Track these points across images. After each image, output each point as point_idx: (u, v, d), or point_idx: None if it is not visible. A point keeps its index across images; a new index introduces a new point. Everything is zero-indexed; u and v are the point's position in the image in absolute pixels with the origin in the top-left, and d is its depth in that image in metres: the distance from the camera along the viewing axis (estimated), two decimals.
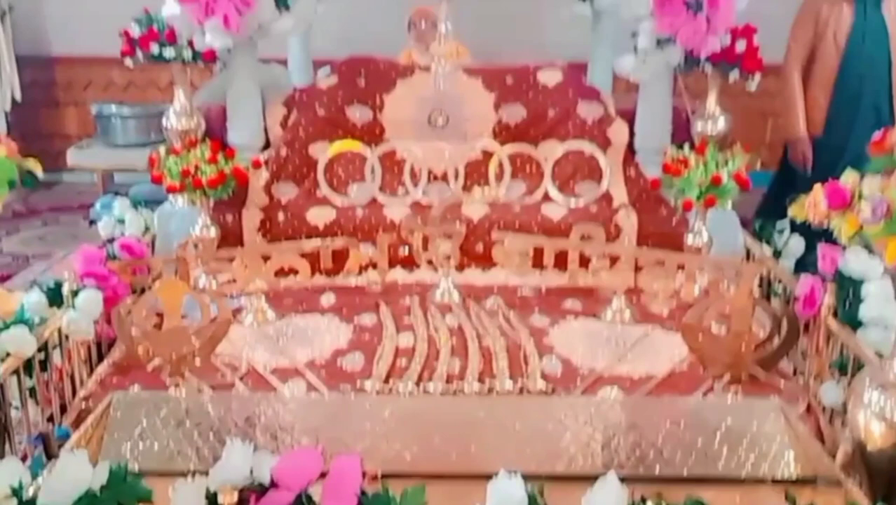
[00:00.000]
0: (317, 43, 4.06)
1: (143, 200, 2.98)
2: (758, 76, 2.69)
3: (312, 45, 4.01)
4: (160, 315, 2.06)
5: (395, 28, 4.03)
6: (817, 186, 1.54)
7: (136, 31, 2.68)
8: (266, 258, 2.51)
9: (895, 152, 1.49)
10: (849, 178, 1.49)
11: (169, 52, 2.65)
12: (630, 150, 2.99)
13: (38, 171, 1.82)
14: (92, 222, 3.07)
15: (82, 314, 2.07)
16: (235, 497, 1.26)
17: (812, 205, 1.53)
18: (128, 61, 2.72)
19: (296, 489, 1.24)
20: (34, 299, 2.04)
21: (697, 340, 2.01)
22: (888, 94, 3.62)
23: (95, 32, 4.83)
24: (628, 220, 2.76)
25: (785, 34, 4.25)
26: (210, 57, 2.68)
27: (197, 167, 2.61)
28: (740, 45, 2.66)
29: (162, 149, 2.73)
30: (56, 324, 2.03)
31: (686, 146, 2.70)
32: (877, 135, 1.53)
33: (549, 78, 3.04)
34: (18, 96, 4.73)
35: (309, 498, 1.26)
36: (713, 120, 2.75)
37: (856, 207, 1.46)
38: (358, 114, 2.98)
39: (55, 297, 2.12)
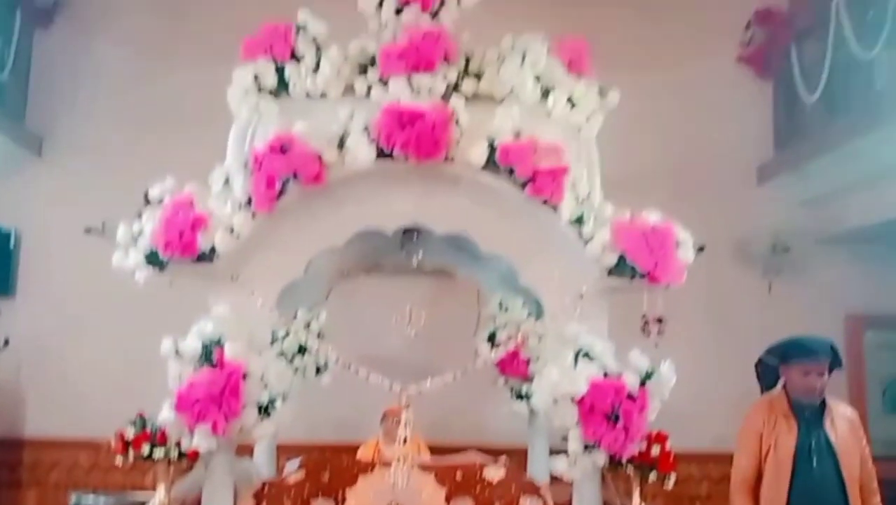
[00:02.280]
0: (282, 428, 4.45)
1: None
2: (673, 476, 3.11)
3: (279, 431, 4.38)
4: None
5: (358, 414, 4.48)
6: None
7: (130, 434, 3.03)
8: None
9: None
10: None
11: (158, 453, 2.98)
12: None
13: None
14: None
15: None
16: None
17: None
18: (118, 459, 3.03)
19: None
20: None
21: None
22: None
23: (69, 417, 5.20)
24: None
25: (702, 423, 4.80)
26: (194, 456, 3.02)
27: None
28: (655, 450, 3.11)
29: None
30: None
31: None
32: None
33: (494, 474, 3.43)
34: None
35: None
36: None
37: None
38: None
39: None
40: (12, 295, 5.46)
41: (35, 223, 5.61)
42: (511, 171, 3.06)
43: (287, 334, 4.15)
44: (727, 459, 4.02)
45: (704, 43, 5.84)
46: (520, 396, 4.41)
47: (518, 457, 4.34)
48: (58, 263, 5.48)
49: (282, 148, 2.94)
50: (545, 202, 3.09)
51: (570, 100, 3.30)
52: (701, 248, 5.44)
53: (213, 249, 3.01)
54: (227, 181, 3.13)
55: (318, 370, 4.50)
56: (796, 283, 5.76)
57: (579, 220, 3.14)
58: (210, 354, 2.94)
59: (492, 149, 3.05)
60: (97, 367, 5.21)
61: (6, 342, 5.11)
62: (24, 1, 5.64)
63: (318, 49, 3.21)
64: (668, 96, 5.83)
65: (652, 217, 3.21)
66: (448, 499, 3.31)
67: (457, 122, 3.07)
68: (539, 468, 4.19)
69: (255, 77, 3.19)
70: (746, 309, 5.66)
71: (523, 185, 3.06)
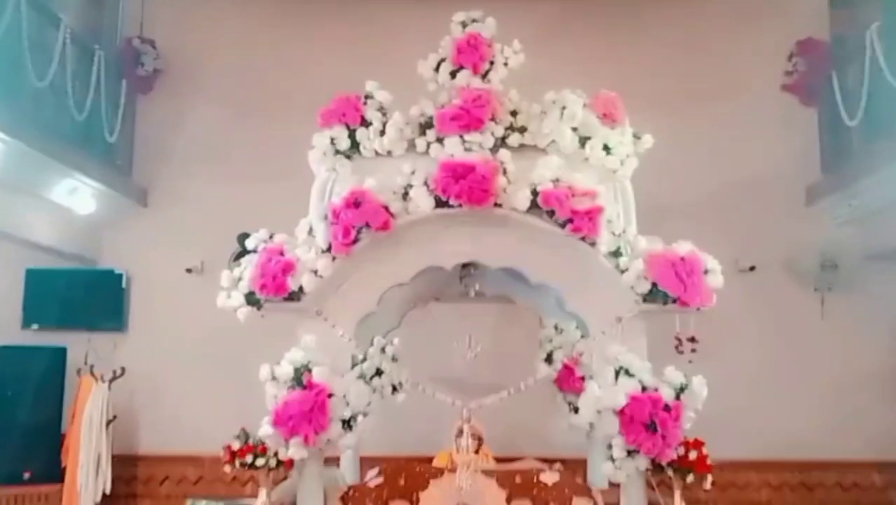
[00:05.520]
0: (365, 441, 4.96)
1: None
2: (710, 477, 3.48)
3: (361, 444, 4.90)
4: None
5: (433, 428, 4.94)
6: None
7: (236, 446, 3.59)
8: None
9: None
10: None
11: (260, 461, 3.53)
12: None
13: None
14: None
15: None
16: None
17: None
18: (227, 468, 3.59)
19: None
20: None
21: None
22: None
23: (177, 435, 5.87)
24: None
25: (757, 433, 5.06)
26: (289, 465, 3.55)
27: None
28: (692, 454, 3.49)
29: None
30: None
31: None
32: None
33: (549, 478, 3.85)
34: (108, 490, 5.59)
35: None
36: None
37: None
38: None
39: None
40: (125, 330, 6.20)
41: (142, 265, 6.33)
42: (552, 213, 3.51)
43: (365, 359, 4.66)
44: (784, 467, 4.33)
45: (747, 75, 6.18)
46: (577, 410, 4.80)
47: (579, 466, 4.74)
48: (163, 300, 6.18)
49: (355, 202, 3.47)
50: (584, 238, 3.52)
51: (605, 146, 3.74)
52: (752, 268, 5.82)
53: (300, 289, 3.55)
54: (310, 231, 3.68)
55: (393, 389, 4.98)
56: (849, 298, 5.99)
57: (616, 254, 3.57)
58: (301, 377, 3.47)
59: (534, 194, 3.51)
60: (201, 390, 5.85)
61: (122, 371, 5.81)
62: (128, 71, 6.44)
63: (384, 114, 3.74)
64: (718, 127, 6.19)
65: (683, 247, 3.59)
66: (508, 500, 3.75)
67: (504, 171, 3.55)
68: (598, 476, 4.57)
69: (332, 141, 3.74)
70: (799, 323, 5.91)
71: (564, 225, 3.50)
